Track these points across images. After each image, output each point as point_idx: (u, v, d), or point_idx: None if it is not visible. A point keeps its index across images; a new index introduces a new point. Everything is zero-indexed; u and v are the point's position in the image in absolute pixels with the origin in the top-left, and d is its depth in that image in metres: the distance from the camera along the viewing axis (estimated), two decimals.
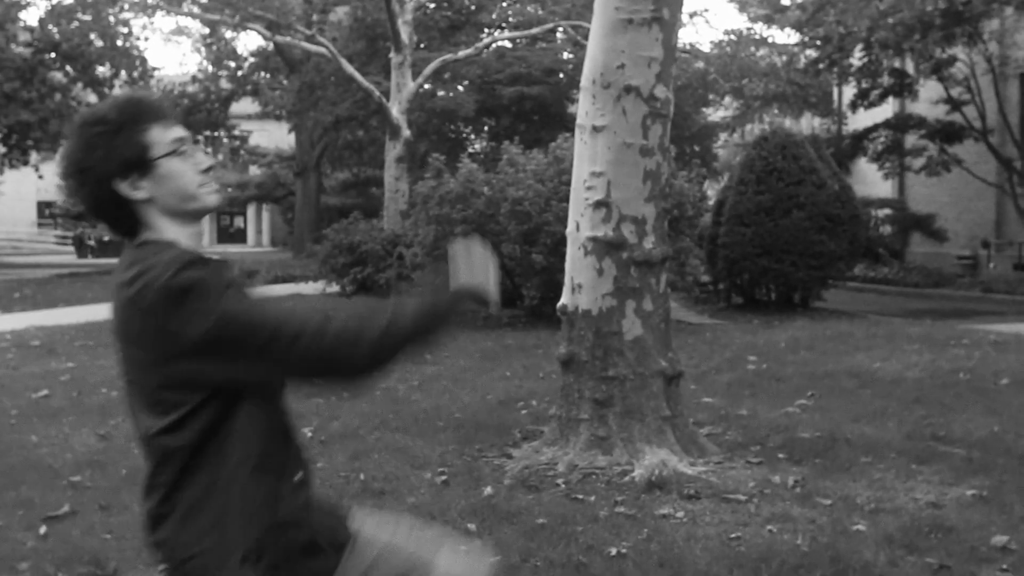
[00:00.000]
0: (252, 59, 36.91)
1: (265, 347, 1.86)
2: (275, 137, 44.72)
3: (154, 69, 31.45)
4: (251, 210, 55.51)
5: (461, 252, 2.02)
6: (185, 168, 1.96)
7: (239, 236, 56.41)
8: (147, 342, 1.90)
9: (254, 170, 49.96)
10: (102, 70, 29.40)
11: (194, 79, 36.53)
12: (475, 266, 2.01)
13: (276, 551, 1.92)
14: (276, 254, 41.01)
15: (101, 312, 14.79)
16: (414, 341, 1.94)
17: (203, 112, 35.42)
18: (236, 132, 41.99)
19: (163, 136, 1.94)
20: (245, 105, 38.81)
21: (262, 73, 37.18)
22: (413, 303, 1.96)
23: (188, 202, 1.98)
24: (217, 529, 1.88)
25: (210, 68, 37.18)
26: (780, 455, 7.37)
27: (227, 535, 1.88)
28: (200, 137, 34.60)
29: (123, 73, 29.54)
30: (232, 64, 37.07)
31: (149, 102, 1.97)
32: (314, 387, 1.96)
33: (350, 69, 22.13)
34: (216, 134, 39.96)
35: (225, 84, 37.13)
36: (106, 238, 34.43)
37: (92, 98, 27.96)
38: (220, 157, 44.85)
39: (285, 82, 34.80)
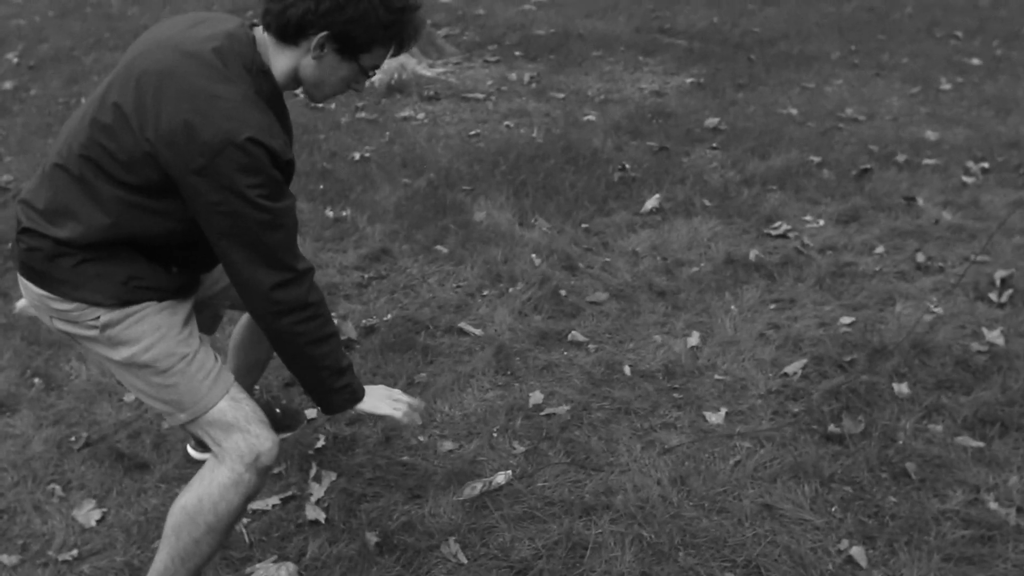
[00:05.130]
0: None
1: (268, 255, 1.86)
2: None
3: None
4: None
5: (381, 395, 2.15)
6: (345, 80, 1.97)
7: None
8: (176, 159, 1.77)
9: None
10: None
11: None
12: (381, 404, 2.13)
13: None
14: None
15: None
16: (328, 364, 2.00)
17: None
18: None
19: (378, 60, 1.95)
20: None
21: None
22: (347, 356, 2.08)
23: (314, 89, 1.98)
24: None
25: None
26: (517, 53, 7.48)
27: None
28: None
29: None
30: None
31: (416, 29, 1.94)
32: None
33: None
34: None
35: None
36: None
37: None
38: None
39: None
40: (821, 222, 4.30)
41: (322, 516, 2.51)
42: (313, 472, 2.69)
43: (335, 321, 2.25)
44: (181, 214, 1.85)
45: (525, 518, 2.50)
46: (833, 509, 2.50)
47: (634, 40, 7.88)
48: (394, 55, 2.00)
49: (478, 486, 2.59)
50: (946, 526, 2.41)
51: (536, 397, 3.02)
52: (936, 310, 3.48)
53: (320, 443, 2.82)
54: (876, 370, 3.10)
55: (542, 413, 2.95)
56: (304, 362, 1.99)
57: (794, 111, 5.95)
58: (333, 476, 2.67)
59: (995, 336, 3.26)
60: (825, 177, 4.82)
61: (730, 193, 4.63)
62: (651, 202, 4.50)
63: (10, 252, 2.01)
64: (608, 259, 3.98)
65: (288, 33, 1.85)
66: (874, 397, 2.95)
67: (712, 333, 3.39)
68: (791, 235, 4.16)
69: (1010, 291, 3.57)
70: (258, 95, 1.83)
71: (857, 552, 2.33)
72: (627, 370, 3.17)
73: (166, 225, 1.88)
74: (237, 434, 1.98)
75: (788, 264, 3.89)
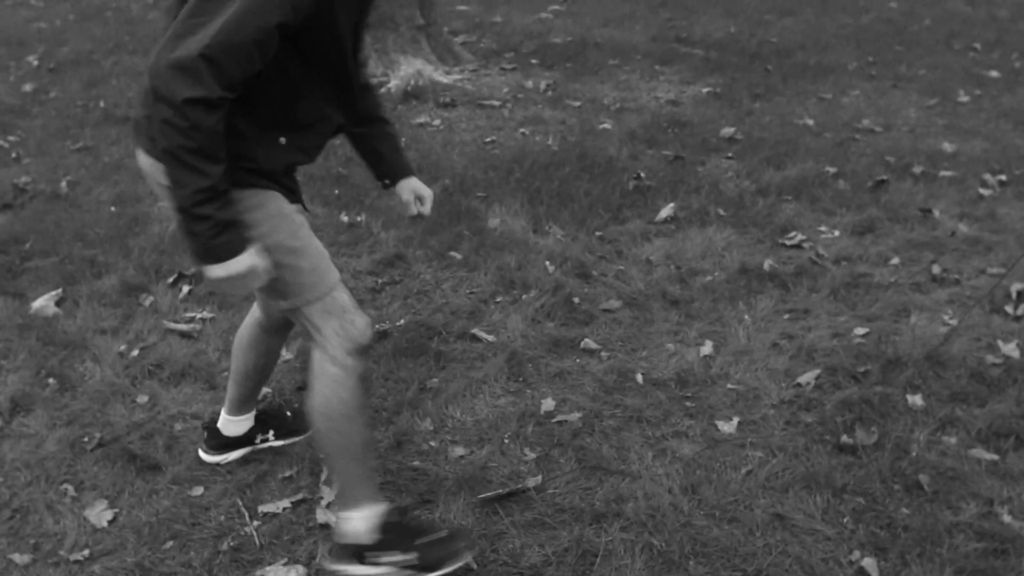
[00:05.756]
0: None
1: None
2: None
3: None
4: None
5: (243, 263, 1.92)
6: None
7: None
8: None
9: None
10: None
11: None
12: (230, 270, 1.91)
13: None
14: None
15: None
16: (179, 195, 1.81)
17: None
18: None
19: None
20: None
21: None
22: (212, 210, 1.83)
23: None
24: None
25: None
26: (533, 60, 7.50)
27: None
28: None
29: None
30: None
31: None
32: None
33: None
34: None
35: None
36: None
37: None
38: None
39: None
40: (836, 233, 4.28)
41: (333, 520, 2.52)
42: (324, 476, 2.69)
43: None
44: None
45: (535, 525, 2.49)
46: (845, 520, 2.48)
47: (651, 49, 7.89)
48: None
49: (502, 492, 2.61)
50: (959, 539, 2.40)
51: (548, 404, 3.02)
52: (951, 322, 3.46)
53: None
54: (890, 381, 3.08)
55: (554, 420, 2.94)
56: (167, 175, 1.86)
57: (810, 122, 5.94)
58: None
59: (1011, 349, 3.24)
60: (841, 188, 4.80)
61: (745, 203, 4.62)
62: (666, 211, 4.49)
63: (130, 127, 2.10)
64: (622, 267, 3.98)
65: None
66: (887, 408, 2.94)
67: (725, 342, 3.38)
68: (806, 245, 4.15)
69: None
70: None
71: (869, 564, 2.31)
72: (639, 378, 3.16)
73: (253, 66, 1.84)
74: (335, 321, 2.10)
75: (802, 274, 3.87)
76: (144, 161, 2.08)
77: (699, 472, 2.68)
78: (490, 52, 7.76)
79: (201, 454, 2.75)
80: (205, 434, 2.73)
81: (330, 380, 2.13)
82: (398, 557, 2.26)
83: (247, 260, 1.92)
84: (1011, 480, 2.62)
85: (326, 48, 1.95)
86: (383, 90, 6.65)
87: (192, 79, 1.72)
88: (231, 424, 2.71)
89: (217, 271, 1.90)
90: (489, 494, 2.59)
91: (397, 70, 6.81)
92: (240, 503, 2.60)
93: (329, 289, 2.10)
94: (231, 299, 3.63)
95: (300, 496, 2.62)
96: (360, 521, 2.26)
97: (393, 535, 2.28)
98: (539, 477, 2.67)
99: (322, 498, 2.60)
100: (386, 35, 6.94)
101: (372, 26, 6.95)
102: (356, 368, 2.13)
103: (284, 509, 2.57)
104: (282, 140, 2.03)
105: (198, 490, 2.66)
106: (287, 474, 2.71)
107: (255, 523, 2.52)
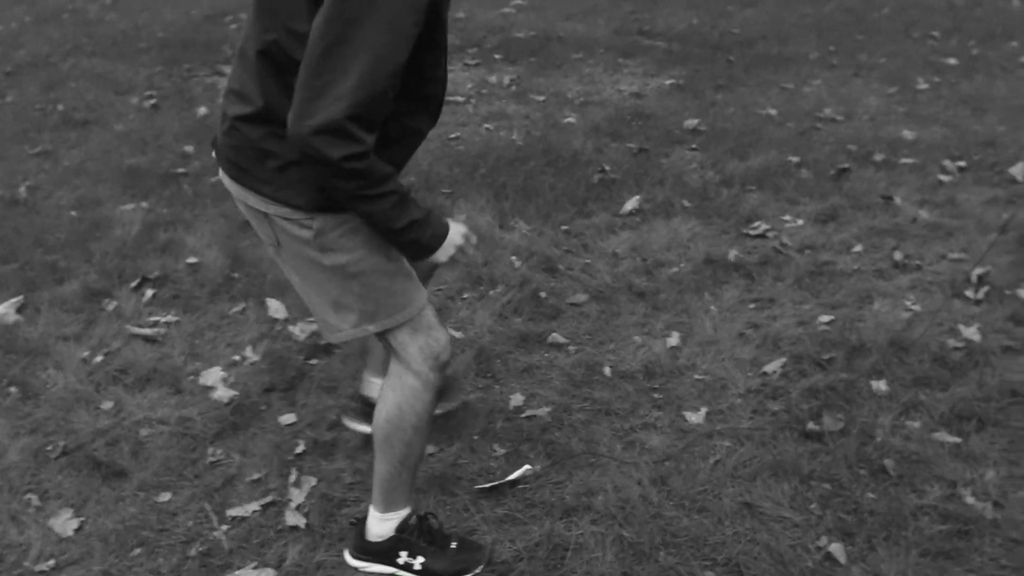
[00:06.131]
0: None
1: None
2: None
3: None
4: None
5: (455, 236, 2.08)
6: None
7: None
8: None
9: None
10: None
11: None
12: (451, 248, 2.08)
13: None
14: None
15: None
16: (380, 222, 1.93)
17: None
18: None
19: None
20: None
21: None
22: (411, 214, 1.96)
23: None
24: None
25: None
26: (496, 56, 7.49)
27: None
28: None
29: None
30: None
31: None
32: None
33: None
34: None
35: None
36: None
37: None
38: None
39: None
40: (800, 221, 4.32)
41: (302, 522, 2.51)
42: (293, 478, 2.68)
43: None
44: None
45: (506, 520, 2.50)
46: (812, 506, 2.51)
47: (614, 42, 7.90)
48: None
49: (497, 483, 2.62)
50: (924, 521, 2.43)
51: (517, 399, 3.02)
52: (914, 308, 3.50)
53: (300, 448, 2.81)
54: (854, 368, 3.12)
55: (523, 415, 2.95)
56: (365, 216, 1.94)
57: (773, 112, 5.97)
58: (313, 481, 2.66)
59: (972, 333, 3.28)
60: (804, 177, 4.84)
61: (709, 194, 4.65)
62: (631, 203, 4.50)
63: (213, 152, 2.08)
64: (588, 261, 3.99)
65: None
66: (852, 395, 2.97)
67: (692, 333, 3.39)
68: (770, 235, 4.18)
69: (986, 288, 3.59)
70: None
71: (836, 549, 2.34)
72: (607, 371, 3.17)
73: None
74: (421, 338, 2.14)
75: (767, 264, 3.90)
76: (254, 201, 2.03)
77: (668, 463, 2.70)
78: (453, 48, 7.74)
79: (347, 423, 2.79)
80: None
81: (407, 391, 2.17)
82: (415, 559, 2.33)
83: (455, 232, 2.07)
84: (973, 462, 2.65)
85: (423, 61, 1.94)
86: None
87: (345, 139, 1.76)
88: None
89: (440, 256, 2.05)
90: (486, 484, 2.60)
91: None
92: (208, 507, 2.58)
93: (419, 310, 2.13)
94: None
95: (269, 499, 2.60)
96: (388, 522, 2.33)
97: (412, 538, 2.34)
98: (538, 465, 2.68)
99: (291, 500, 2.59)
100: None
101: None
102: (435, 383, 2.17)
103: (253, 512, 2.55)
104: None
105: (165, 496, 2.63)
106: (255, 477, 2.70)
107: (224, 527, 2.50)
